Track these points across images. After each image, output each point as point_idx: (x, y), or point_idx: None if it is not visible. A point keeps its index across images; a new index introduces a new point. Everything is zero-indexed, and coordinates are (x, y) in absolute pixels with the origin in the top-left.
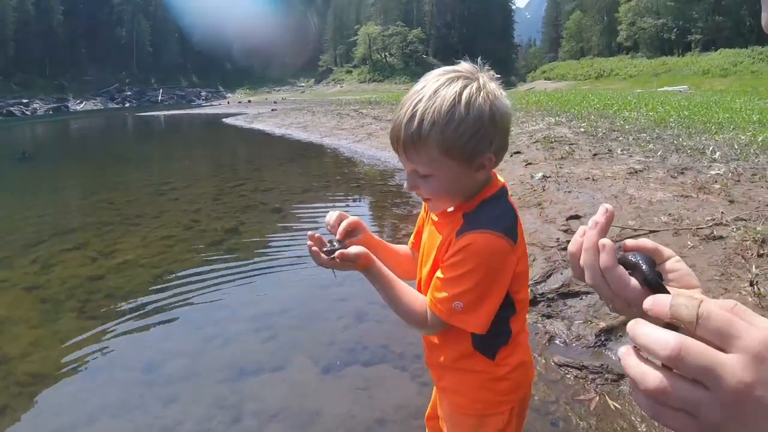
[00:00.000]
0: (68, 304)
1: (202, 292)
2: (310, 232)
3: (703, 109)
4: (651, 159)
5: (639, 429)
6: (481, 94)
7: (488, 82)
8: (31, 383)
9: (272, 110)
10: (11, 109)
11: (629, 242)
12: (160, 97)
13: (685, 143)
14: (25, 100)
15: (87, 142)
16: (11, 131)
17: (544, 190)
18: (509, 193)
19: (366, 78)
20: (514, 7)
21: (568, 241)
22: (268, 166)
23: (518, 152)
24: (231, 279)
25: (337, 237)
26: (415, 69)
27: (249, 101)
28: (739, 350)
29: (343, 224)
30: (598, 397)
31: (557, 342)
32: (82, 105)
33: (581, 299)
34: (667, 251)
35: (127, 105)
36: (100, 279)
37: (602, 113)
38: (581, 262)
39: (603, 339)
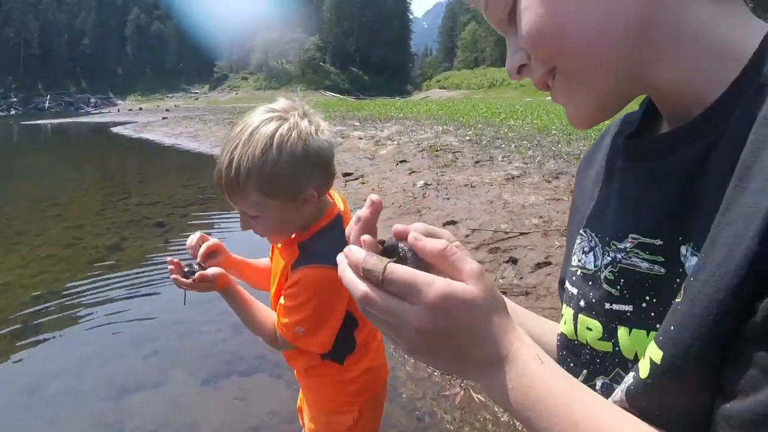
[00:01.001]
0: None
1: (83, 311)
2: (168, 258)
3: None
4: (529, 165)
5: (502, 419)
6: (293, 134)
7: (300, 121)
8: None
9: (163, 118)
10: None
11: (396, 227)
12: (47, 104)
13: (563, 149)
14: None
15: None
16: None
17: (424, 197)
18: (344, 220)
19: (262, 85)
20: (411, 17)
21: None
22: (154, 178)
23: (404, 161)
24: (113, 297)
25: (198, 259)
26: (313, 77)
27: (140, 108)
28: (418, 303)
29: (203, 247)
30: (462, 392)
31: None
32: None
33: None
34: (443, 232)
35: (12, 112)
36: None
37: (489, 121)
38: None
39: None
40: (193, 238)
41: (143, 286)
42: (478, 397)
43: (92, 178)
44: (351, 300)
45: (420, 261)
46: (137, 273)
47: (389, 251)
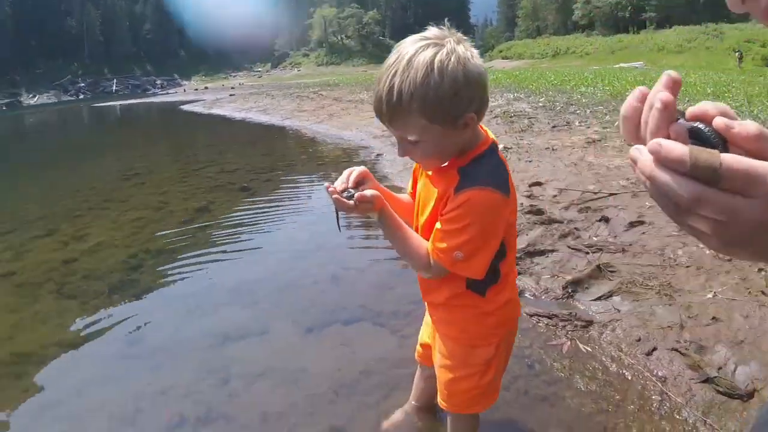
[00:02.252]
0: (46, 287)
1: (178, 267)
2: (326, 184)
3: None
4: (608, 130)
5: (610, 368)
6: (452, 58)
7: (457, 46)
8: (16, 362)
9: (230, 95)
10: None
11: (691, 109)
12: (114, 88)
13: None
14: None
15: (45, 135)
16: None
17: (506, 160)
18: (499, 148)
19: (323, 61)
20: None
21: (532, 206)
22: (231, 149)
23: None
24: (206, 253)
25: (350, 184)
26: (373, 51)
27: (206, 88)
28: (757, 195)
29: (354, 174)
30: (569, 342)
31: (527, 295)
32: (35, 99)
33: (547, 257)
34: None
35: (81, 96)
36: (74, 261)
37: (559, 89)
38: (643, 117)
39: (570, 291)
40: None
41: (235, 243)
42: (584, 348)
43: (169, 151)
44: (506, 227)
45: (726, 145)
46: (228, 231)
47: (702, 139)
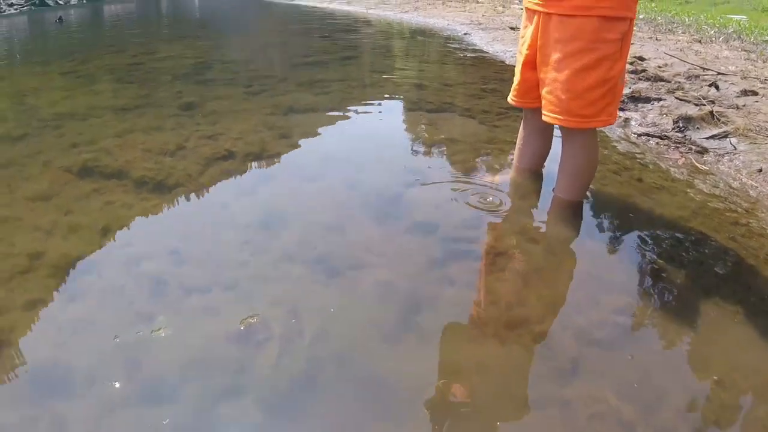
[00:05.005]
0: (105, 78)
1: (246, 67)
2: None
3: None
4: (714, 39)
5: (732, 185)
6: None
7: None
8: (55, 119)
9: None
10: None
11: None
12: None
13: (746, 37)
14: None
15: (125, 19)
16: (45, 15)
17: None
18: None
19: None
20: None
21: (635, 69)
22: (314, 29)
23: None
24: (278, 64)
25: None
26: None
27: None
28: None
29: None
30: (684, 159)
31: (633, 123)
32: None
33: (653, 104)
34: None
35: None
36: (141, 65)
37: (659, 13)
38: None
39: (681, 126)
40: None
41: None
42: (701, 167)
43: (252, 31)
44: None
45: None
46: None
47: None
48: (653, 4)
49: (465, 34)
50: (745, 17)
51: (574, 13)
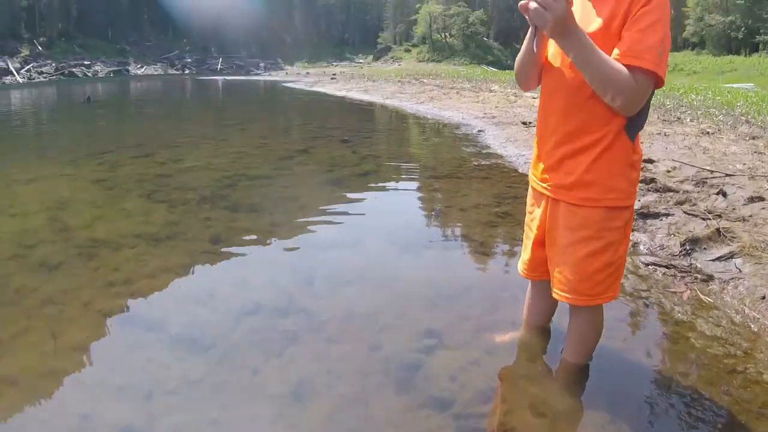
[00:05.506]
0: (135, 191)
1: (271, 189)
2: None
3: None
4: (721, 126)
5: (734, 319)
6: None
7: None
8: (90, 245)
9: (332, 78)
10: (73, 70)
11: None
12: (219, 66)
13: (754, 119)
14: (86, 62)
15: (149, 95)
16: (72, 87)
17: None
18: None
19: (425, 57)
20: None
21: (644, 177)
22: (332, 116)
23: None
24: (301, 182)
25: None
26: (476, 51)
27: (307, 73)
28: None
29: None
30: (689, 291)
31: (641, 248)
32: (142, 69)
33: (661, 219)
34: None
35: (187, 72)
36: (169, 177)
37: (668, 95)
38: None
39: (688, 248)
40: None
41: (331, 176)
42: (706, 299)
43: (270, 114)
44: None
45: None
46: (325, 167)
47: None
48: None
49: (479, 131)
50: (752, 85)
51: (582, 204)
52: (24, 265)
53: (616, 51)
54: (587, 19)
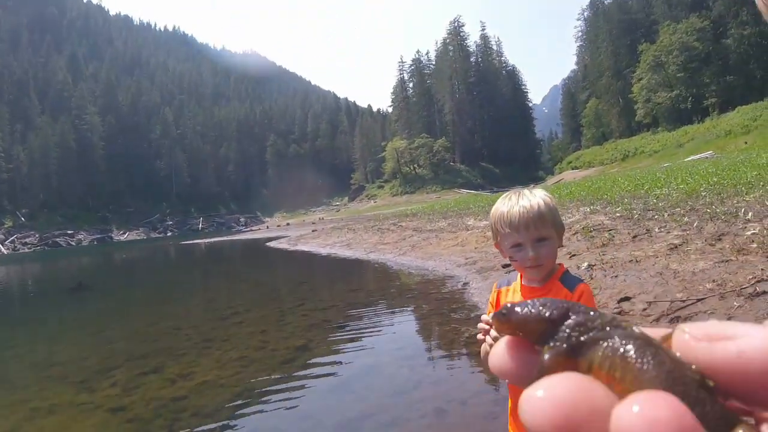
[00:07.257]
0: (156, 423)
1: (282, 405)
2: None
3: (731, 172)
4: (688, 232)
5: None
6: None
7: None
8: None
9: (312, 231)
10: (57, 240)
11: None
12: (200, 225)
13: (718, 210)
14: (69, 232)
15: (137, 272)
16: (57, 263)
17: (591, 278)
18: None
19: (398, 191)
20: (531, 105)
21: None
22: (322, 286)
23: (560, 246)
24: (310, 391)
25: None
26: (445, 177)
27: (287, 224)
28: None
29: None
30: None
31: None
32: (125, 235)
33: None
34: None
35: (169, 234)
36: (183, 399)
37: (634, 194)
38: None
39: None
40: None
41: (336, 379)
42: None
43: (262, 289)
44: None
45: None
46: (329, 369)
47: None
48: (626, 164)
49: (464, 285)
50: (710, 153)
51: None
52: None
53: None
54: None
